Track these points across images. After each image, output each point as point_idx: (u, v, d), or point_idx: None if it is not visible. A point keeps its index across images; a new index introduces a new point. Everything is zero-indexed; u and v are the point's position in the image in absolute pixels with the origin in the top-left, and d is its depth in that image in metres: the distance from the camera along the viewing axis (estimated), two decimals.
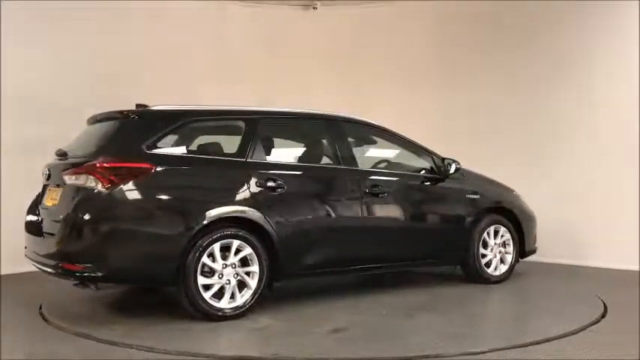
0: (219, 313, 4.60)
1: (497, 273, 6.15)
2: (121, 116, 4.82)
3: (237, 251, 4.71)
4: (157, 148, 4.63)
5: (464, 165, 6.02)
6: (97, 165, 4.41)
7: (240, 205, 4.76)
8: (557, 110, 7.57)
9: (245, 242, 4.71)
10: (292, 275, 5.09)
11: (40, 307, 5.13)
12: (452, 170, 5.83)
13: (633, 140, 6.99)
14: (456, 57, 8.23)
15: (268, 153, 5.21)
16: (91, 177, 4.40)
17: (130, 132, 4.71)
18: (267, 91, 8.16)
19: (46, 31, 7.16)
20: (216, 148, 5.13)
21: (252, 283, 4.74)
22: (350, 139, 5.66)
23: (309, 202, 5.18)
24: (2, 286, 6.05)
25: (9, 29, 6.87)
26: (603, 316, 4.90)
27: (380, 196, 5.47)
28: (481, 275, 6.04)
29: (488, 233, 6.07)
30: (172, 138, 4.89)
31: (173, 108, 5.01)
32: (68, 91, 7.19)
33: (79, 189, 4.47)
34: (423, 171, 5.95)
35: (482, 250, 6.04)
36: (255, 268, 4.75)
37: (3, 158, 6.83)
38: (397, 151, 6.12)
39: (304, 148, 5.78)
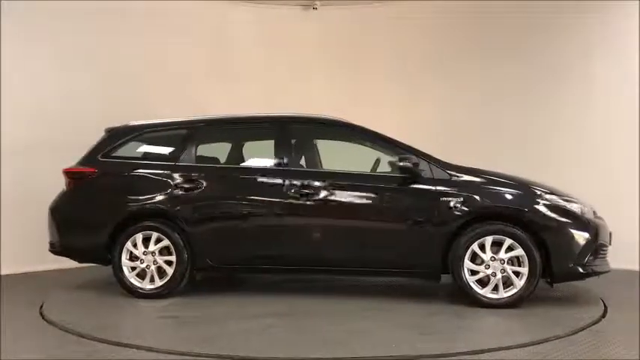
0: (139, 292, 5.42)
1: (496, 296, 4.98)
2: (105, 131, 5.90)
3: (160, 241, 5.44)
4: (109, 156, 5.72)
5: (465, 163, 5.40)
6: (64, 170, 5.70)
7: (158, 202, 5.48)
8: (557, 110, 7.57)
9: (164, 234, 5.41)
10: (206, 268, 5.53)
11: (41, 307, 5.14)
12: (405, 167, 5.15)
13: (633, 140, 6.99)
14: (455, 57, 8.23)
15: (199, 157, 5.69)
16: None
17: (99, 144, 5.80)
18: (268, 91, 8.18)
19: (46, 31, 7.17)
20: (158, 154, 5.86)
21: (170, 270, 5.42)
22: (296, 140, 5.68)
23: (226, 201, 5.51)
24: (2, 286, 6.07)
25: (9, 29, 6.88)
26: (603, 316, 4.90)
27: (313, 196, 5.28)
28: (471, 295, 5.05)
29: (482, 245, 5.02)
30: (130, 148, 5.82)
31: (132, 124, 5.90)
32: (68, 91, 7.21)
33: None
34: (385, 172, 5.40)
35: (471, 266, 5.03)
36: (172, 257, 5.41)
37: (3, 159, 6.84)
38: (362, 150, 5.62)
39: (236, 151, 6.03)
